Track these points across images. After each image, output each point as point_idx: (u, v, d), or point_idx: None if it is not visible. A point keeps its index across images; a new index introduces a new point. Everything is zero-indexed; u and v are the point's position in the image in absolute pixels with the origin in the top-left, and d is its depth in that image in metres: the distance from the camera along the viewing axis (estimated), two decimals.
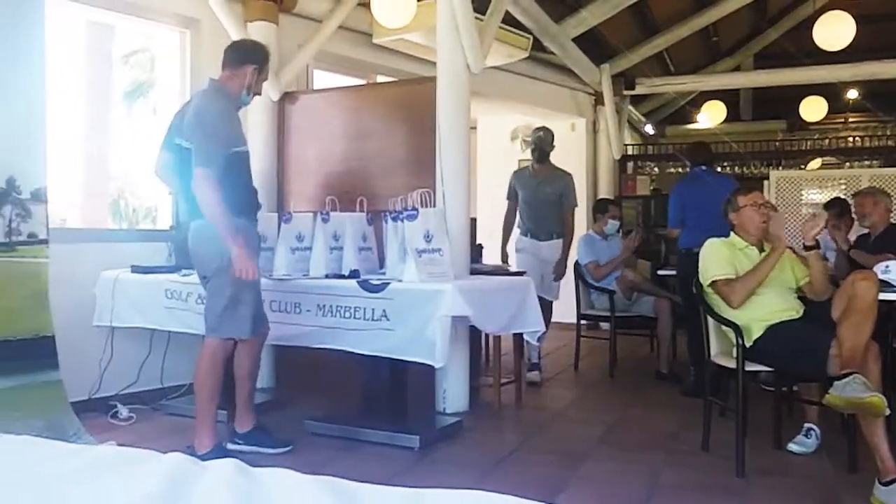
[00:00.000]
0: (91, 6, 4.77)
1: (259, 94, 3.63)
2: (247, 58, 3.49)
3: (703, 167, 5.32)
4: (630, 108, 9.22)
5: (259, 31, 4.86)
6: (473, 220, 4.76)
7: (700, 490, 3.15)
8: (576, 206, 5.72)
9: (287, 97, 5.17)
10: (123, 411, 4.20)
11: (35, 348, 3.77)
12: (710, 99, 9.10)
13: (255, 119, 4.96)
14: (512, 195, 5.77)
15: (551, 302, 5.61)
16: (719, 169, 7.53)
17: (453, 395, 4.41)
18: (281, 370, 4.91)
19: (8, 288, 3.73)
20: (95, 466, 0.90)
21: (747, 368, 3.32)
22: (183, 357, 4.37)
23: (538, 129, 5.75)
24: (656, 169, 9.66)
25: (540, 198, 5.62)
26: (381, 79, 6.30)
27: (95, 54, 5.39)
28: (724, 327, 3.49)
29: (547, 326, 4.83)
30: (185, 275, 4.13)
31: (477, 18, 4.54)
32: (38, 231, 3.86)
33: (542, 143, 5.64)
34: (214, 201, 3.20)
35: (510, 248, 5.83)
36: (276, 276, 3.96)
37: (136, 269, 4.35)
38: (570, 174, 5.76)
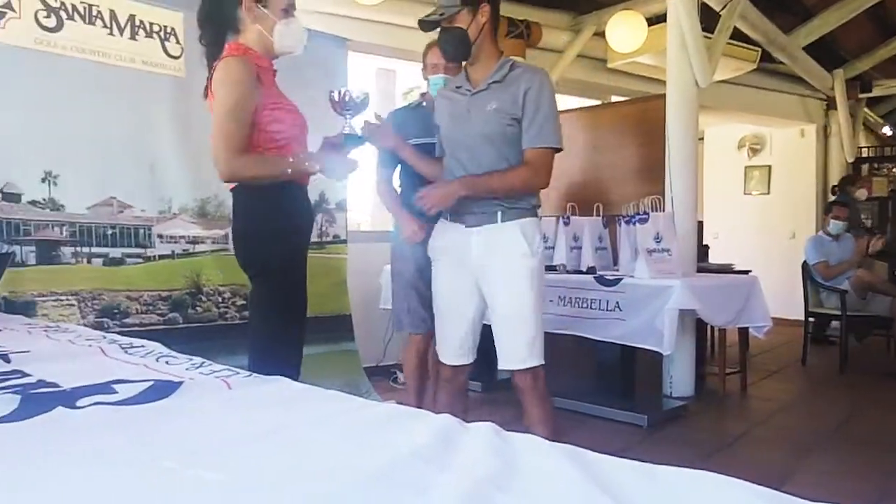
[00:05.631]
0: (380, 56, 5.20)
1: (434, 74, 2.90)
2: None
3: None
4: (865, 110, 8.14)
5: None
6: (700, 223, 4.54)
7: None
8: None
9: None
10: (401, 377, 4.42)
11: (337, 324, 4.14)
12: None
13: None
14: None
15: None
16: None
17: (679, 380, 4.21)
18: None
19: (319, 277, 4.13)
20: (383, 419, 0.98)
21: None
22: None
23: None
24: (895, 170, 8.44)
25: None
26: (615, 99, 6.16)
27: (382, 93, 5.85)
28: None
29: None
30: None
31: (706, 37, 4.28)
32: (340, 233, 4.27)
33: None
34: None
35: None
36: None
37: None
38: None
